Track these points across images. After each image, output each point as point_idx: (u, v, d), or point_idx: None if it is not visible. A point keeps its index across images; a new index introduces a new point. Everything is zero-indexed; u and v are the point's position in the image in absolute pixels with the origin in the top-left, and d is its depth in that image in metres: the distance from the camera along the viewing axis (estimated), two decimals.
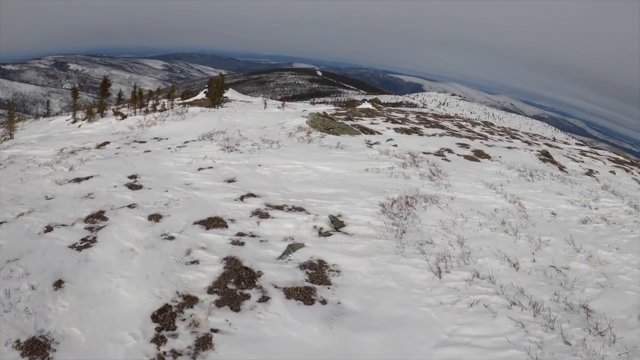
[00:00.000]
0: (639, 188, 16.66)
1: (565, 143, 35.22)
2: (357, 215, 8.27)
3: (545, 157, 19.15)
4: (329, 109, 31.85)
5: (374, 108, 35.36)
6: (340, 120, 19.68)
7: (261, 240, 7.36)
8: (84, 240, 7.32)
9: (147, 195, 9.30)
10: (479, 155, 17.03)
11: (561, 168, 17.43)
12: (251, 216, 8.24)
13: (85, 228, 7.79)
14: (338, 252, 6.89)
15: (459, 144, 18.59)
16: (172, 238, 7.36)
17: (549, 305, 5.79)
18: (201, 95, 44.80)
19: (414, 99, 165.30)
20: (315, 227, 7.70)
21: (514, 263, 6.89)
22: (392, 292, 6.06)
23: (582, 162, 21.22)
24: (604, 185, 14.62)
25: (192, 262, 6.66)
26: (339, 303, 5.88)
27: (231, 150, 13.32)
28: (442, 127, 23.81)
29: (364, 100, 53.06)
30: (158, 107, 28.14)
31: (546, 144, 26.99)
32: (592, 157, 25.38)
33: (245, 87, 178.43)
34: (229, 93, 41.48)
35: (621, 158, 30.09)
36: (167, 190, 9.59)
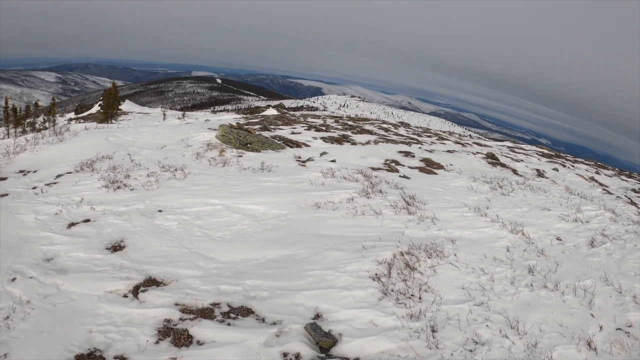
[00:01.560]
0: (591, 185, 15.72)
1: (482, 139, 34.89)
2: (346, 309, 4.71)
3: (493, 160, 17.40)
4: (236, 117, 28.06)
5: (288, 114, 32.23)
6: (257, 132, 16.15)
7: None
8: None
9: None
10: (430, 165, 14.56)
11: (514, 172, 15.80)
12: (158, 341, 4.26)
13: None
14: None
15: (401, 152, 16.01)
16: None
17: None
18: (96, 108, 39.61)
19: (314, 102, 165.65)
20: (285, 355, 4.02)
21: (588, 341, 4.81)
22: None
23: (522, 161, 19.96)
24: (566, 188, 13.45)
25: None
26: None
27: (118, 187, 9.12)
28: (370, 132, 21.24)
29: (268, 107, 49.90)
30: (37, 126, 22.44)
31: (475, 143, 25.78)
32: (524, 154, 24.58)
33: (143, 98, 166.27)
34: (125, 105, 36.86)
35: (546, 151, 30.12)
36: (14, 279, 5.31)
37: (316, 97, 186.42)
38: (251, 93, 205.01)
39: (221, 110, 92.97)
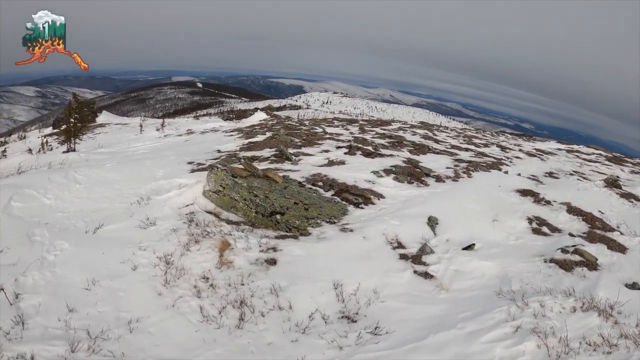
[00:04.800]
0: None
1: (532, 141, 28.40)
2: None
3: (619, 189, 10.88)
4: (225, 128, 20.76)
5: (281, 117, 25.51)
6: (278, 171, 9.25)
7: None
8: None
9: None
10: (592, 222, 7.98)
11: None
12: None
13: None
14: None
15: (517, 192, 9.36)
16: None
17: None
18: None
19: (296, 100, 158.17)
20: None
21: None
22: None
23: (620, 178, 13.51)
24: None
25: None
26: None
27: None
28: (429, 149, 14.28)
29: (256, 109, 42.90)
30: None
31: (538, 150, 19.30)
32: (600, 163, 18.16)
33: (124, 107, 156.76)
34: (103, 116, 30.31)
35: (603, 153, 23.75)
36: None
37: (298, 96, 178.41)
38: (233, 95, 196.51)
39: (204, 115, 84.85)
